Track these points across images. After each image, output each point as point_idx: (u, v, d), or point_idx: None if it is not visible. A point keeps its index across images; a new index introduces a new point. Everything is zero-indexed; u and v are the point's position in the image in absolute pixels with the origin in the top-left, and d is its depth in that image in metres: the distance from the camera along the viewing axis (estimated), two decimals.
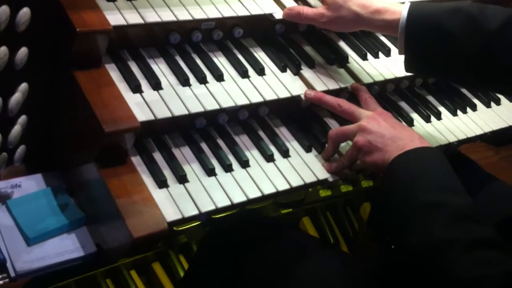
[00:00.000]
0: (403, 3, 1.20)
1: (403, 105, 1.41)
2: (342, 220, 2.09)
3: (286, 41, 1.34)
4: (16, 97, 1.00)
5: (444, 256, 0.92)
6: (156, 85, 1.11)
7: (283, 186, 1.12)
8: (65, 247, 1.08)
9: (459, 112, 1.45)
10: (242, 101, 1.16)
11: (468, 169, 1.52)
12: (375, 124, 1.12)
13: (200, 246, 1.39)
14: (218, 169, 1.11)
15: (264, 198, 1.10)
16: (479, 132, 1.41)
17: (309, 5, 1.30)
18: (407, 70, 1.23)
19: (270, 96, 1.19)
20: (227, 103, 1.14)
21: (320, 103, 1.23)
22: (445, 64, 1.17)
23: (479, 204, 1.29)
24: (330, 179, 1.18)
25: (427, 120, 1.39)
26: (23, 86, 1.01)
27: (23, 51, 0.96)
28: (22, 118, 1.05)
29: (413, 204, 0.99)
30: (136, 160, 1.07)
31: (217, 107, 1.13)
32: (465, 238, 0.91)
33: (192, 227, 1.78)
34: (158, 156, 1.10)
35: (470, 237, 0.92)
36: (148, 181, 1.05)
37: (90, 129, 1.02)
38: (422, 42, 1.16)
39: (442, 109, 1.44)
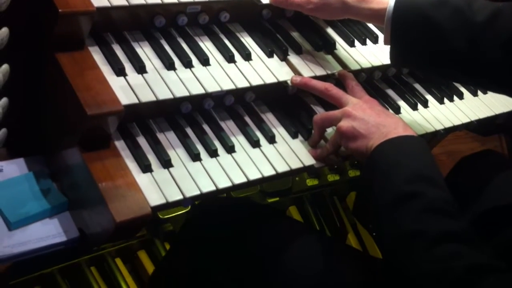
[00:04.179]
0: None
1: (390, 92, 1.41)
2: (328, 210, 2.09)
3: (273, 26, 1.33)
4: None
5: (411, 247, 0.92)
6: (140, 68, 1.09)
7: (268, 171, 1.11)
8: (47, 232, 1.06)
9: (445, 100, 1.45)
10: (228, 86, 1.15)
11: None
12: (360, 110, 1.12)
13: (183, 228, 1.36)
14: (203, 154, 1.10)
15: (249, 183, 1.09)
16: (465, 120, 1.41)
17: None
18: (392, 62, 1.22)
19: (256, 81, 1.18)
20: (212, 87, 1.13)
21: (306, 88, 1.22)
22: (430, 56, 1.16)
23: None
24: (316, 166, 1.18)
25: (414, 108, 1.38)
26: (4, 67, 0.99)
27: (4, 31, 0.94)
28: (3, 101, 1.03)
29: (389, 193, 0.98)
30: (120, 145, 1.06)
31: (202, 91, 1.11)
32: (434, 230, 0.91)
33: (178, 215, 1.78)
34: (142, 141, 1.09)
35: (439, 230, 0.91)
36: (132, 165, 1.03)
37: (72, 112, 1.01)
38: (408, 33, 1.15)
39: (429, 97, 1.43)
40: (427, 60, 1.18)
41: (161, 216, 1.78)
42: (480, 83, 1.28)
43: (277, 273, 1.12)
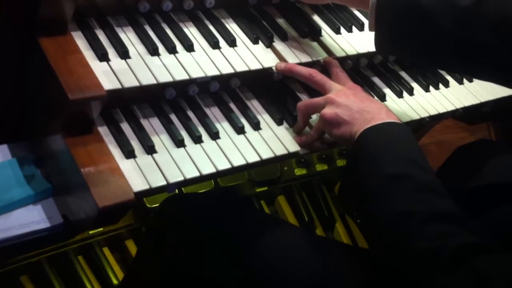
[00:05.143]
0: None
1: (376, 80, 1.40)
2: (317, 199, 2.10)
3: (259, 13, 1.33)
4: None
5: (402, 229, 0.91)
6: (123, 53, 1.08)
7: (253, 158, 1.11)
8: (31, 218, 1.06)
9: (431, 88, 1.45)
10: (212, 72, 1.14)
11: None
12: (344, 97, 1.11)
13: (157, 217, 1.32)
14: (187, 140, 1.10)
15: (234, 170, 1.09)
16: (450, 108, 1.41)
17: None
18: (377, 48, 1.21)
19: (241, 67, 1.18)
20: (197, 73, 1.12)
21: (291, 73, 1.21)
22: (417, 42, 1.16)
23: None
24: (301, 152, 1.18)
25: (400, 95, 1.38)
26: None
27: None
28: None
29: (376, 176, 0.98)
30: (103, 130, 1.06)
31: (186, 77, 1.11)
32: (425, 211, 0.91)
33: None
34: (126, 127, 1.08)
35: (430, 210, 0.91)
36: (115, 151, 1.03)
37: (55, 97, 1.00)
38: (393, 17, 1.14)
39: (414, 84, 1.43)
40: (413, 46, 1.17)
41: (148, 205, 1.77)
42: (470, 70, 1.26)
43: (267, 279, 1.10)
